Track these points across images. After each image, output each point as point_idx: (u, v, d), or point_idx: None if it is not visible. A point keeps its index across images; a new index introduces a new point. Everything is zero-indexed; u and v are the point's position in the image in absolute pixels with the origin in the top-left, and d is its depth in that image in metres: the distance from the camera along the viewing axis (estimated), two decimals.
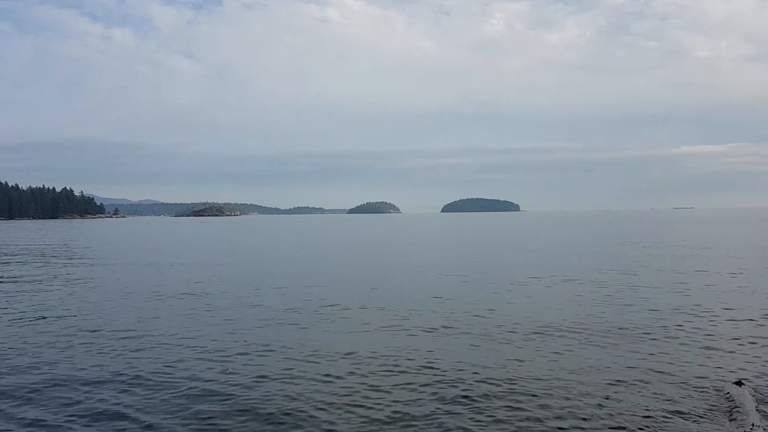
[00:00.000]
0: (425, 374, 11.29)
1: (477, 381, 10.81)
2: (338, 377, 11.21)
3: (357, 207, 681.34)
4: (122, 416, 9.34)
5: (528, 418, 8.96)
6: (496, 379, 10.89)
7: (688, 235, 66.49)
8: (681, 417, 8.89)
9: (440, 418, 9.05)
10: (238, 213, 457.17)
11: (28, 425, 9.09)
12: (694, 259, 34.82)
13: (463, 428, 8.64)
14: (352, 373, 11.45)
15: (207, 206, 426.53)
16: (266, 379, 11.14)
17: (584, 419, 8.85)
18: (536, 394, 10.06)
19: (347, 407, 9.55)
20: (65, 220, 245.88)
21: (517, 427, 8.66)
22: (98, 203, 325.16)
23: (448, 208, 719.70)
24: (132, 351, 13.50)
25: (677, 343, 13.58)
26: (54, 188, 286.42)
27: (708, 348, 13.06)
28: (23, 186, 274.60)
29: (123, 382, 11.12)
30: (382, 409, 9.44)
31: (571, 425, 8.67)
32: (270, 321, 16.97)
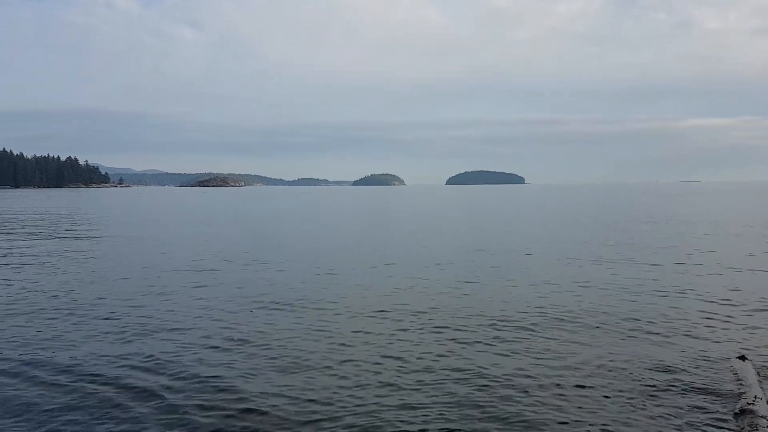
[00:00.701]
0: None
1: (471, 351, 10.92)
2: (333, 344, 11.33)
3: (361, 179, 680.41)
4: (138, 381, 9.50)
5: (530, 386, 9.06)
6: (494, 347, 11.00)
7: (693, 209, 66.22)
8: (685, 390, 8.96)
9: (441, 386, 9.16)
10: (243, 184, 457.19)
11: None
12: (698, 234, 34.74)
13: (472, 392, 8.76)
14: (357, 332, 11.58)
15: (211, 177, 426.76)
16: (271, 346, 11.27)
17: (583, 386, 8.95)
18: (538, 368, 10.16)
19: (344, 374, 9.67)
20: (70, 189, 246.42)
21: (524, 392, 8.76)
22: (103, 172, 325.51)
23: (453, 181, 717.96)
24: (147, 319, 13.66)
25: (681, 318, 13.62)
26: (59, 157, 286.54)
27: (712, 323, 13.10)
28: (28, 155, 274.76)
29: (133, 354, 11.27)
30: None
31: (573, 393, 8.76)
32: (278, 288, 17.10)
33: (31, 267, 22.59)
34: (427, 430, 7.70)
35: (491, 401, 8.59)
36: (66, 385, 9.38)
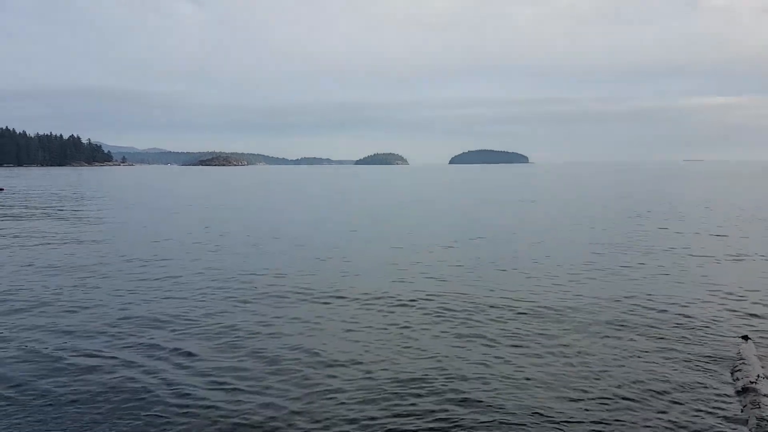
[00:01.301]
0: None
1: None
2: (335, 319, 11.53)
3: (364, 158, 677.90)
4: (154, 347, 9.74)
5: (537, 364, 9.26)
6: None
7: (695, 188, 66.05)
8: (688, 368, 9.16)
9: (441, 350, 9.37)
10: (245, 163, 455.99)
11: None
12: (701, 214, 34.76)
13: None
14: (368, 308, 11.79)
15: (214, 156, 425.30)
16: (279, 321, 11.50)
17: (586, 358, 9.15)
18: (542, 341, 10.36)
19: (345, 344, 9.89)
20: (73, 167, 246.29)
21: (531, 367, 8.96)
22: (105, 151, 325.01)
23: (456, 160, 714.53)
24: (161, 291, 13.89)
25: (687, 298, 13.79)
26: (61, 135, 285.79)
27: (717, 304, 13.27)
28: (30, 133, 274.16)
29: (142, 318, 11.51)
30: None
31: (577, 361, 8.96)
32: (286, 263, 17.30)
33: (44, 247, 22.81)
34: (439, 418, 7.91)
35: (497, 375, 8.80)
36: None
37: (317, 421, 7.44)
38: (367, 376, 8.92)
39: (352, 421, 7.44)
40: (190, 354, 9.93)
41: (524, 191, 66.02)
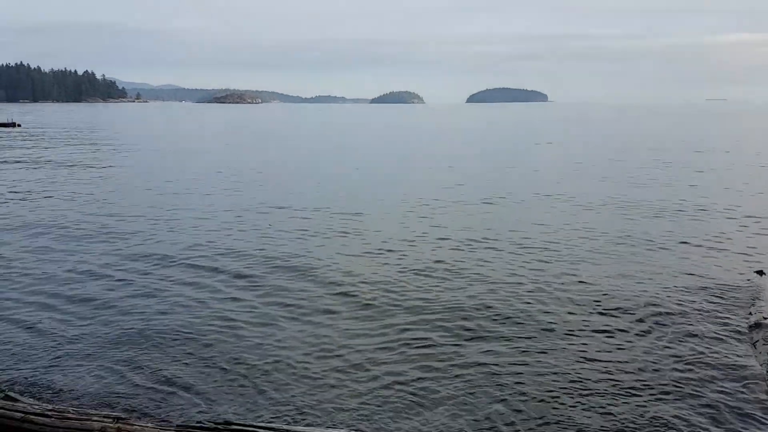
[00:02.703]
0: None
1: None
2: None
3: (380, 97, 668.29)
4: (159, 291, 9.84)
5: (548, 311, 9.22)
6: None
7: (714, 130, 64.47)
8: (702, 302, 9.05)
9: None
10: (259, 101, 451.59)
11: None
12: (717, 155, 33.96)
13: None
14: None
15: (228, 93, 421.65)
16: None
17: (601, 296, 9.08)
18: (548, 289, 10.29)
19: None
20: (88, 103, 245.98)
21: (541, 320, 8.93)
22: (120, 87, 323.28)
23: (474, 99, 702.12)
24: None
25: (702, 233, 13.57)
26: (76, 71, 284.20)
27: (733, 239, 13.05)
28: (45, 69, 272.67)
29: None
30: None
31: (589, 299, 8.90)
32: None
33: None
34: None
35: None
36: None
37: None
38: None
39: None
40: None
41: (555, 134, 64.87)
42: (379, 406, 6.11)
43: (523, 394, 6.34)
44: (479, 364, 7.01)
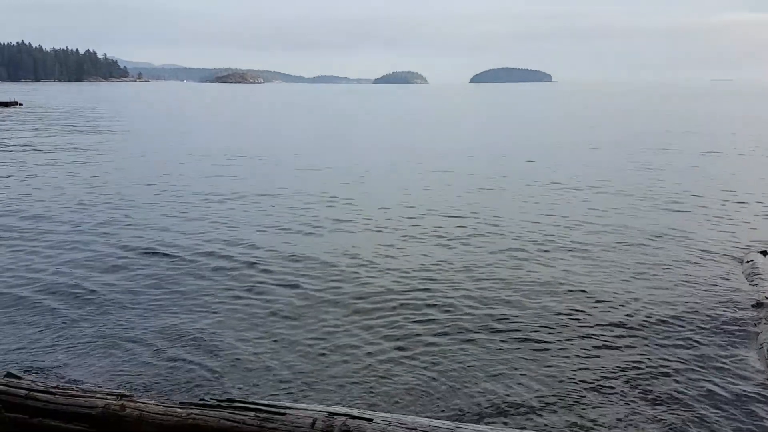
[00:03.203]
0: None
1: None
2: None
3: (382, 77, 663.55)
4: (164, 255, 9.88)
5: (547, 282, 9.22)
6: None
7: (719, 109, 64.00)
8: (704, 281, 9.03)
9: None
10: (261, 80, 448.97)
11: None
12: (722, 134, 33.73)
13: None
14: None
15: (230, 72, 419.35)
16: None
17: (602, 276, 9.08)
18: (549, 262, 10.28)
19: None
20: (90, 83, 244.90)
21: (544, 289, 8.93)
22: (122, 66, 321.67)
23: (477, 79, 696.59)
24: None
25: (704, 212, 13.54)
26: (77, 50, 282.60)
27: (735, 219, 13.01)
28: (46, 47, 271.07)
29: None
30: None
31: (588, 296, 8.90)
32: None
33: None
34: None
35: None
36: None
37: None
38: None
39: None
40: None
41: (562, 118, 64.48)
42: (377, 384, 6.14)
43: (520, 384, 6.36)
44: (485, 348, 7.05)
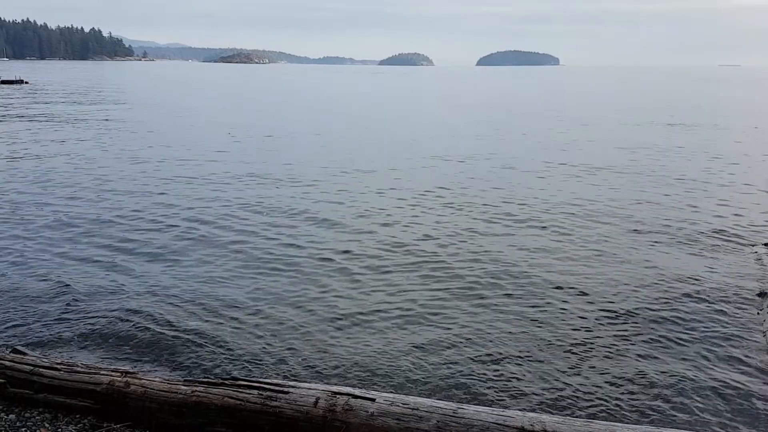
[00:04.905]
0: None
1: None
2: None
3: (388, 58, 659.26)
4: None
5: (547, 271, 9.21)
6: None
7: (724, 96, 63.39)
8: (709, 272, 8.98)
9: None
10: (267, 61, 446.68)
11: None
12: (730, 121, 33.45)
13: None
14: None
15: (235, 53, 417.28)
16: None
17: (606, 264, 9.07)
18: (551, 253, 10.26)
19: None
20: (95, 61, 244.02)
21: (546, 277, 8.93)
22: (126, 45, 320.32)
23: (484, 62, 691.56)
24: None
25: (708, 204, 13.45)
26: (82, 28, 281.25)
27: (740, 210, 12.89)
28: (51, 25, 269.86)
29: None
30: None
31: (587, 278, 8.89)
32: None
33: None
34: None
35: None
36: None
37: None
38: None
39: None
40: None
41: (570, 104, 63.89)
42: (378, 363, 6.18)
43: (511, 356, 6.38)
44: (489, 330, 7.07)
